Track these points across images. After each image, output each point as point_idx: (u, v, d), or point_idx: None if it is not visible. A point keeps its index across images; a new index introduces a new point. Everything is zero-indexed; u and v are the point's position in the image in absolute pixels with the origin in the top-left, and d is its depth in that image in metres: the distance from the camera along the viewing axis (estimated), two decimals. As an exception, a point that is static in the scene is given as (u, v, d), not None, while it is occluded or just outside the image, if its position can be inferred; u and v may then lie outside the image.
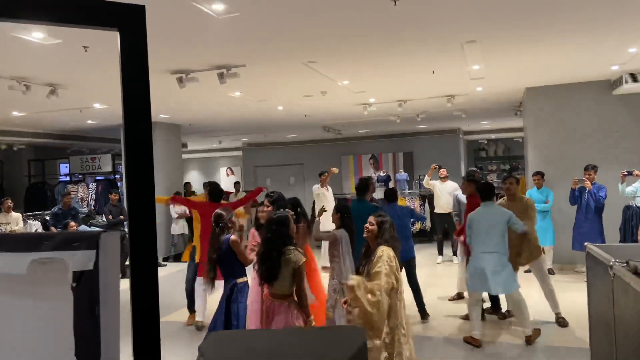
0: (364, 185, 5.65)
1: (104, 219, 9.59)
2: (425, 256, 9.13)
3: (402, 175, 14.93)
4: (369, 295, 3.24)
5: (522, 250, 5.18)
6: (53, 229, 8.31)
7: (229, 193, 11.46)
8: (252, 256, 4.10)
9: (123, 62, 1.15)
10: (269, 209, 4.50)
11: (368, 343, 3.14)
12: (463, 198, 6.13)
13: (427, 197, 11.13)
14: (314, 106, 9.34)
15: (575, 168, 7.33)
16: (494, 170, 17.88)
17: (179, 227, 10.58)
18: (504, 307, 5.63)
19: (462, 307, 5.84)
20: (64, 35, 4.42)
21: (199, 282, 5.72)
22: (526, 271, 6.43)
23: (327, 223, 5.87)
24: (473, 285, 4.95)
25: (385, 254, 3.41)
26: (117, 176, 12.17)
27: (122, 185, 11.70)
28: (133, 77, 1.15)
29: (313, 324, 3.57)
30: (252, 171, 17.95)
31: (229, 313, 4.09)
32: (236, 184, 13.38)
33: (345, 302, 3.41)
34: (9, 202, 8.06)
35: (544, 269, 5.53)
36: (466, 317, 5.40)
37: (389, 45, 5.33)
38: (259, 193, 6.46)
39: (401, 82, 7.45)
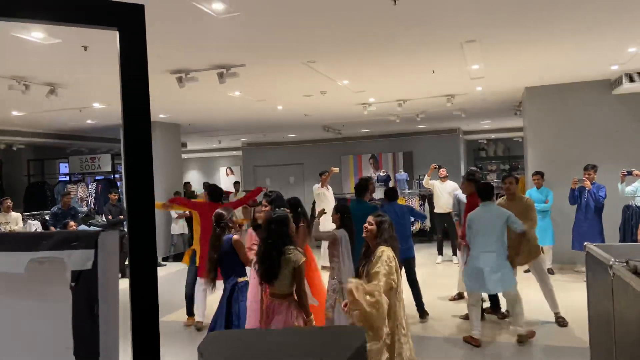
0: (363, 186, 5.65)
1: (104, 218, 9.59)
2: (425, 256, 9.13)
3: (402, 175, 14.94)
4: (368, 297, 3.25)
5: (521, 249, 5.19)
6: (53, 228, 8.30)
7: (228, 193, 11.46)
8: (252, 255, 4.11)
9: (122, 62, 1.14)
10: (267, 208, 4.50)
11: (369, 345, 3.15)
12: (463, 198, 6.13)
13: (427, 197, 11.13)
14: (314, 106, 9.34)
15: (575, 168, 7.33)
16: (493, 170, 17.88)
17: (179, 227, 10.58)
18: (503, 307, 5.63)
19: (462, 307, 5.84)
20: (63, 34, 4.42)
21: (199, 282, 5.72)
22: (526, 271, 6.44)
23: (326, 223, 5.87)
24: (471, 285, 4.97)
25: (384, 254, 3.41)
26: (116, 176, 12.16)
27: (122, 185, 11.69)
28: (132, 77, 1.15)
29: (313, 323, 3.57)
30: (252, 171, 17.95)
31: (230, 312, 4.11)
32: (236, 183, 13.37)
33: (345, 305, 3.42)
34: (9, 202, 8.06)
35: (543, 269, 5.54)
36: (466, 317, 5.40)
37: (388, 44, 5.33)
38: (259, 193, 6.46)
39: (401, 81, 7.45)
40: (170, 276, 8.73)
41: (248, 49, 5.26)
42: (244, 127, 12.64)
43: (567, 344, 4.82)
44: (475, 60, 6.17)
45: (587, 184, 6.79)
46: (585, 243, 3.36)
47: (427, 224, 10.87)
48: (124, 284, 1.09)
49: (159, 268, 8.46)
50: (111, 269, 1.15)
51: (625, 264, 2.51)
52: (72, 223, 7.99)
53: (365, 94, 8.40)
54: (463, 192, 6.15)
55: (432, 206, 9.80)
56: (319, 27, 4.64)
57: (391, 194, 6.03)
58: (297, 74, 6.50)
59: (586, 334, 3.53)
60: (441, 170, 8.95)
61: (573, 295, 6.11)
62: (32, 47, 4.74)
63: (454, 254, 8.67)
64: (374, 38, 5.05)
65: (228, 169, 21.06)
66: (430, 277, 7.62)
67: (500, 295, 5.56)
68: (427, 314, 5.74)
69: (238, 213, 6.12)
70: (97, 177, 12.24)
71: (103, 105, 8.20)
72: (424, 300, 5.77)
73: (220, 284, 4.36)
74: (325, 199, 8.67)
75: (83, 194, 11.70)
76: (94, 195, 11.61)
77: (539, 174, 7.56)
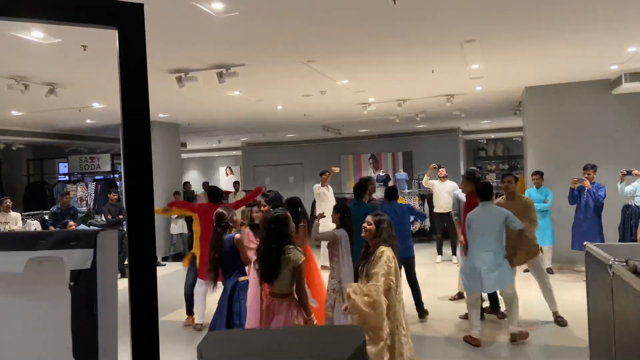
0: (361, 187, 5.66)
1: (103, 218, 9.58)
2: (424, 256, 9.13)
3: (402, 174, 14.94)
4: (365, 297, 3.26)
5: (519, 249, 5.19)
6: (52, 228, 8.30)
7: (228, 193, 11.46)
8: (252, 255, 4.12)
9: (121, 61, 1.14)
10: (266, 208, 4.50)
11: (369, 347, 3.15)
12: (463, 197, 6.13)
13: (426, 197, 11.14)
14: (314, 106, 9.33)
15: (575, 167, 7.33)
16: (493, 169, 17.89)
17: (178, 227, 10.58)
18: (503, 306, 5.63)
19: (462, 307, 5.84)
20: (63, 34, 4.41)
21: (199, 284, 5.71)
22: (525, 270, 6.44)
23: (327, 222, 5.87)
24: (468, 285, 4.98)
25: (384, 254, 3.41)
26: (116, 176, 12.16)
27: (121, 184, 11.69)
28: (132, 76, 1.15)
29: (314, 322, 3.57)
30: (252, 171, 17.95)
31: (231, 312, 4.12)
32: (235, 183, 13.37)
33: (345, 309, 3.43)
34: (8, 202, 8.05)
35: (542, 268, 5.54)
36: (466, 317, 5.40)
37: (388, 44, 5.33)
38: (259, 193, 6.46)
39: (400, 81, 7.45)
40: (170, 276, 8.73)
41: (247, 48, 5.26)
42: (243, 126, 12.64)
43: (567, 344, 4.83)
44: (475, 60, 6.17)
45: (587, 183, 6.79)
46: (585, 243, 3.36)
47: (427, 223, 10.88)
48: (123, 284, 1.09)
49: (158, 268, 8.49)
50: (110, 269, 1.15)
51: (624, 263, 2.51)
52: (71, 223, 7.99)
53: (365, 94, 8.40)
54: (463, 191, 6.16)
55: (431, 206, 9.80)
56: (319, 26, 4.64)
57: (391, 194, 6.04)
58: (296, 73, 6.50)
59: (586, 334, 3.53)
60: (441, 170, 8.95)
61: (572, 295, 6.11)
62: (32, 46, 4.73)
63: (454, 253, 8.67)
64: (373, 38, 5.05)
65: (227, 169, 21.06)
66: (429, 277, 7.62)
67: (499, 294, 5.56)
68: (427, 313, 5.75)
69: (238, 213, 6.12)
70: (97, 177, 12.23)
71: (102, 104, 8.20)
72: (423, 299, 5.78)
73: (220, 284, 4.37)
74: (325, 198, 8.68)
75: (82, 194, 11.70)
76: (93, 195, 11.60)
77: (539, 174, 7.57)
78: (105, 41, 4.49)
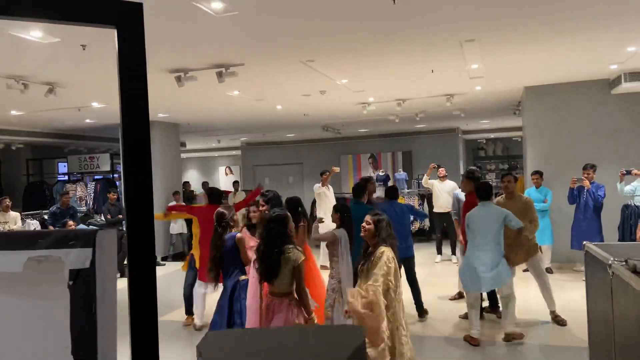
0: (360, 188, 5.66)
1: (103, 218, 9.58)
2: (424, 255, 9.13)
3: (401, 174, 14.94)
4: (363, 299, 3.27)
5: (518, 248, 5.19)
6: (51, 228, 8.29)
7: (227, 192, 11.46)
8: (250, 254, 4.12)
9: (120, 60, 1.14)
10: (264, 208, 4.51)
11: (370, 351, 3.16)
12: (463, 197, 6.14)
13: (426, 197, 11.14)
14: (313, 105, 9.33)
15: (574, 167, 7.33)
16: (492, 169, 17.90)
17: (178, 227, 10.57)
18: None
19: (462, 306, 5.84)
20: (62, 33, 4.41)
21: (198, 285, 5.70)
22: (525, 270, 6.44)
23: (327, 222, 5.87)
24: (466, 285, 4.99)
25: (384, 255, 3.41)
26: (115, 175, 12.15)
27: (121, 184, 11.68)
28: (131, 76, 1.15)
29: (315, 321, 3.57)
30: (251, 170, 17.95)
31: (232, 311, 4.13)
32: (235, 183, 13.37)
33: (346, 312, 3.44)
34: (7, 201, 8.05)
35: (541, 266, 5.55)
36: (465, 317, 5.40)
37: (388, 44, 5.33)
38: (259, 193, 6.46)
39: (400, 81, 7.44)
40: (169, 276, 8.72)
41: (247, 48, 5.25)
42: (243, 126, 12.63)
43: (566, 344, 4.83)
44: (474, 59, 6.17)
45: (586, 183, 6.79)
46: (584, 242, 3.36)
47: (426, 223, 10.88)
48: (122, 284, 1.09)
49: (157, 267, 8.48)
50: (109, 268, 1.15)
51: (624, 263, 2.51)
52: (70, 222, 7.98)
53: (365, 94, 8.40)
54: (462, 190, 6.16)
55: (431, 205, 9.80)
56: (318, 26, 4.63)
57: (392, 193, 6.04)
58: (296, 73, 6.49)
59: (585, 334, 3.53)
60: (440, 169, 8.95)
61: (572, 294, 6.11)
62: (31, 46, 4.73)
63: (453, 253, 8.67)
64: (373, 37, 5.05)
65: (227, 169, 21.06)
66: (429, 277, 7.62)
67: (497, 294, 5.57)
68: (427, 313, 5.75)
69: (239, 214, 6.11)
70: (96, 177, 12.23)
71: (102, 104, 8.19)
72: (423, 299, 5.78)
73: (220, 284, 4.38)
74: (325, 198, 8.70)
75: (82, 194, 11.69)
76: (92, 194, 11.60)
77: (538, 174, 7.57)
78: (105, 40, 4.49)
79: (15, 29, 4.25)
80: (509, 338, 4.87)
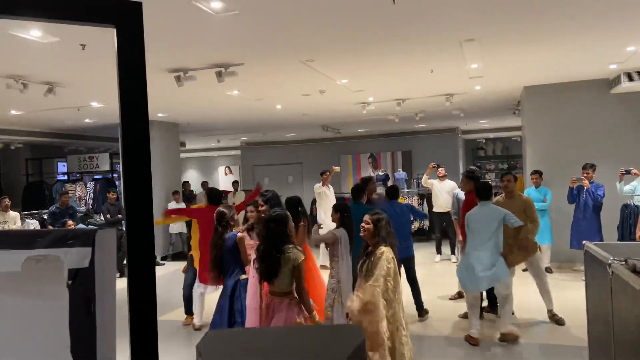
0: (360, 189, 5.66)
1: (102, 218, 9.58)
2: (423, 255, 9.14)
3: (401, 174, 14.94)
4: (362, 299, 3.28)
5: (518, 247, 5.19)
6: (51, 228, 8.29)
7: (227, 192, 11.46)
8: (251, 252, 4.13)
9: (120, 60, 1.14)
10: (264, 208, 4.51)
11: (371, 354, 3.16)
12: (462, 197, 6.14)
13: (426, 196, 11.14)
14: (313, 105, 9.33)
15: (574, 167, 7.33)
16: (492, 169, 17.90)
17: (177, 226, 10.56)
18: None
19: (462, 306, 5.85)
20: (61, 33, 4.40)
21: (197, 285, 5.70)
22: (524, 270, 6.44)
23: (327, 221, 5.87)
24: (464, 284, 5.00)
25: (384, 255, 3.41)
26: (115, 175, 12.15)
27: (120, 184, 11.67)
28: (130, 75, 1.14)
29: (317, 319, 3.57)
30: (251, 170, 17.94)
31: (232, 310, 4.14)
32: (234, 183, 13.37)
33: (347, 315, 3.46)
34: (7, 201, 8.04)
35: (540, 266, 5.55)
36: (465, 316, 5.41)
37: (387, 43, 5.33)
38: (259, 193, 6.46)
39: (400, 80, 7.44)
40: (169, 275, 8.72)
41: (246, 47, 5.25)
42: (242, 126, 12.63)
43: (566, 343, 4.83)
44: (474, 59, 6.17)
45: (586, 183, 6.80)
46: (584, 242, 3.36)
47: (426, 222, 10.88)
48: (122, 284, 1.08)
49: (157, 267, 8.47)
50: (108, 267, 1.14)
51: (624, 262, 2.51)
52: (70, 222, 7.98)
53: (364, 93, 8.39)
54: (462, 190, 6.16)
55: (430, 205, 9.81)
56: (318, 25, 4.63)
57: (392, 193, 6.04)
58: (295, 73, 6.49)
59: (585, 333, 3.53)
60: (440, 169, 8.95)
61: (571, 294, 6.12)
62: (30, 45, 4.73)
63: (453, 252, 8.68)
64: (372, 37, 5.05)
65: (227, 169, 21.05)
66: (429, 276, 7.63)
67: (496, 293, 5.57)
68: (427, 312, 5.75)
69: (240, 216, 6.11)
70: (96, 176, 12.23)
71: (101, 104, 8.19)
72: (423, 299, 5.78)
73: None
74: (326, 197, 8.70)
75: (81, 193, 11.69)
76: (92, 194, 11.59)
77: (538, 173, 7.57)
78: (104, 40, 4.49)
79: (14, 29, 4.25)
80: (505, 338, 4.88)
